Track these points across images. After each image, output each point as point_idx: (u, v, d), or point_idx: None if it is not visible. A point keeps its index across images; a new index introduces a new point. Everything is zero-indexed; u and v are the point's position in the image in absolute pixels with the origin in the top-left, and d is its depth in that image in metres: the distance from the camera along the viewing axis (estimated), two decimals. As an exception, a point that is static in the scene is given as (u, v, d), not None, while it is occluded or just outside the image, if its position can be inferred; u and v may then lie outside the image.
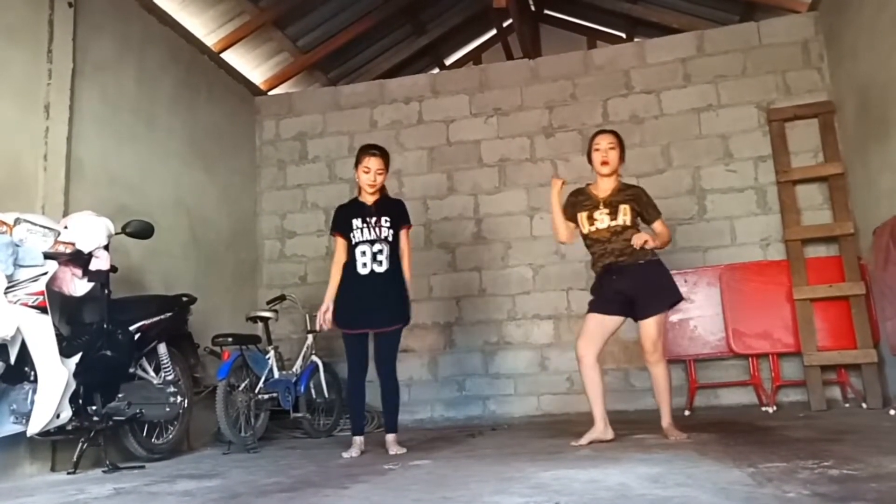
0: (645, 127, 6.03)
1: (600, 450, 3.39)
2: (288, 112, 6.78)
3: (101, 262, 3.69)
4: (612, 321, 3.86)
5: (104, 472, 3.59)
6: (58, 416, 3.31)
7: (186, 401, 4.27)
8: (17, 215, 3.41)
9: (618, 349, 5.78)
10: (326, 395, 5.34)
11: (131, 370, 3.96)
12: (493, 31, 8.23)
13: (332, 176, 6.59)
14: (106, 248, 3.75)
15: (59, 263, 3.46)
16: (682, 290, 5.49)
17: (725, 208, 5.77)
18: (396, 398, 4.03)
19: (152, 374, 4.14)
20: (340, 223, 4.07)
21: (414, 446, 4.08)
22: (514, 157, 6.27)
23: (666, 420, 3.76)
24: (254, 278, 6.50)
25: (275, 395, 4.85)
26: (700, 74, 6.00)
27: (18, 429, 3.33)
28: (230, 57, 6.23)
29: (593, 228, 3.89)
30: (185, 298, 4.42)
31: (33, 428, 3.24)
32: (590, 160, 4.01)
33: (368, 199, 4.08)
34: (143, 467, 3.77)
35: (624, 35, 7.87)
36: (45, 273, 3.33)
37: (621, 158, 3.95)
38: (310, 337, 5.42)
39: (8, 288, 3.16)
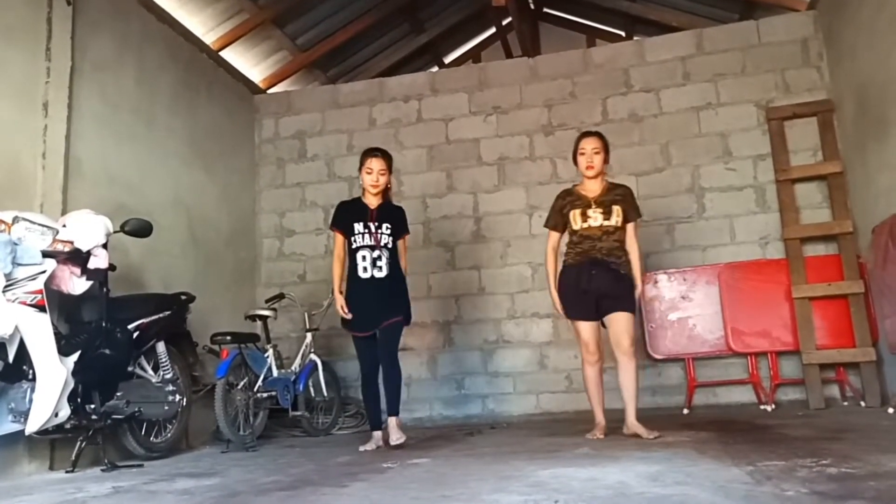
0: (644, 125, 6.03)
1: (599, 448, 3.39)
2: (287, 110, 6.78)
3: (99, 261, 3.69)
4: (597, 325, 4.01)
5: (103, 470, 3.59)
6: (56, 415, 3.30)
7: (185, 399, 4.27)
8: (16, 214, 3.41)
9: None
10: (325, 393, 5.34)
11: (130, 369, 3.96)
12: (493, 30, 8.23)
13: (332, 174, 6.59)
14: (104, 246, 3.74)
15: (58, 262, 3.46)
16: (681, 288, 5.56)
17: (724, 207, 5.77)
18: (399, 381, 4.13)
19: (151, 372, 4.14)
20: (342, 220, 4.17)
21: (413, 445, 4.08)
22: (513, 155, 6.27)
23: (634, 416, 3.84)
24: (253, 277, 6.50)
25: (273, 393, 4.85)
26: (699, 73, 5.99)
27: (17, 427, 3.33)
28: (229, 55, 6.22)
29: (585, 225, 3.97)
30: (183, 297, 4.41)
31: (32, 426, 3.23)
32: (575, 162, 4.11)
33: (372, 202, 4.17)
34: (141, 466, 3.77)
35: (623, 33, 7.87)
36: (44, 271, 3.32)
37: (605, 160, 4.06)
38: (309, 335, 5.42)
39: (6, 286, 3.15)
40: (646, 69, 6.12)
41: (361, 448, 3.98)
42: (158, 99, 5.25)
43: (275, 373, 4.99)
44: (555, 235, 4.16)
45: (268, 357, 5.00)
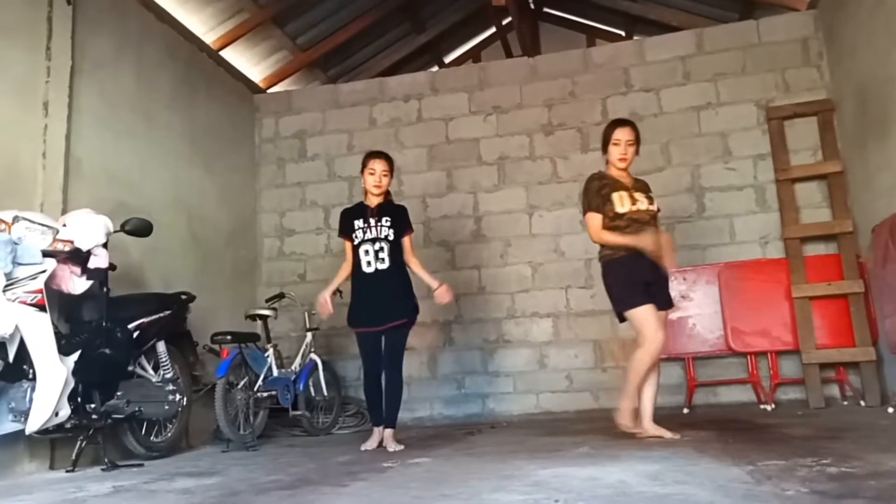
0: (644, 125, 5.97)
1: (599, 447, 3.39)
2: (287, 110, 6.78)
3: (99, 260, 3.69)
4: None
5: (103, 469, 3.59)
6: (56, 414, 3.30)
7: (185, 399, 4.26)
8: (16, 213, 3.41)
9: (617, 347, 5.79)
10: (325, 393, 5.34)
11: (130, 368, 3.96)
12: (493, 29, 8.22)
13: (332, 174, 6.59)
14: (105, 245, 3.74)
15: (58, 261, 3.46)
16: (681, 287, 5.55)
17: (724, 206, 5.77)
18: (400, 394, 4.14)
19: (151, 372, 4.14)
20: (345, 226, 4.23)
21: (413, 444, 4.09)
22: (513, 155, 6.27)
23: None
24: (253, 276, 6.50)
25: (274, 393, 4.85)
26: (699, 72, 5.99)
27: (17, 427, 3.33)
28: (229, 54, 6.22)
29: (634, 208, 3.73)
30: (184, 296, 4.41)
31: (32, 426, 3.23)
32: (604, 149, 3.91)
33: (372, 202, 4.18)
34: (141, 465, 3.77)
35: (623, 33, 7.87)
36: (44, 271, 3.33)
37: (637, 152, 3.91)
38: (309, 335, 5.42)
39: (6, 286, 3.15)
40: (646, 69, 6.12)
41: (364, 447, 3.99)
42: (158, 98, 5.25)
43: (275, 372, 4.99)
44: (599, 217, 3.77)
45: (268, 356, 5.00)
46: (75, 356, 3.50)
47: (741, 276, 5.46)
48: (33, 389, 3.26)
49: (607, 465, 2.76)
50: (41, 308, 3.25)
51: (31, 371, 3.27)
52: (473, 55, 8.70)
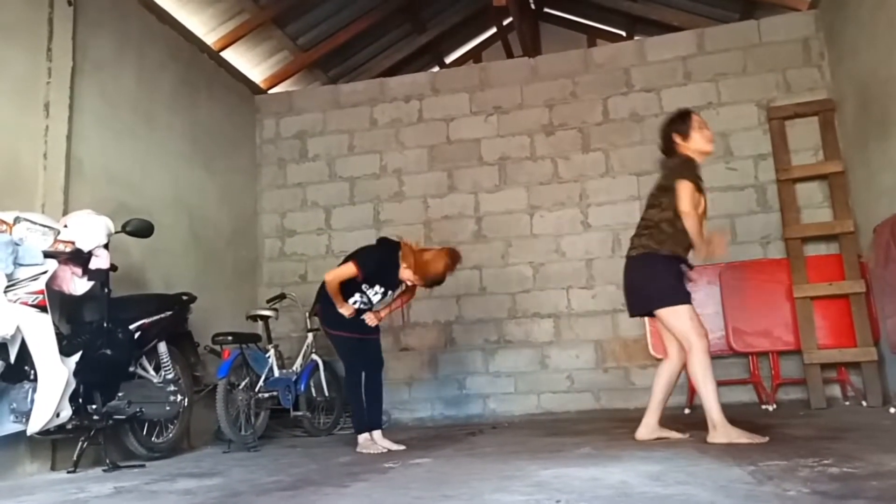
0: (645, 125, 6.02)
1: (601, 448, 3.39)
2: (288, 110, 6.78)
3: (100, 261, 3.69)
4: None
5: (104, 470, 3.59)
6: (58, 415, 3.30)
7: (186, 399, 4.26)
8: (17, 214, 3.40)
9: (618, 347, 5.79)
10: (326, 393, 5.34)
11: (131, 369, 3.96)
12: (493, 30, 8.22)
13: (333, 174, 6.59)
14: (106, 246, 3.75)
15: (59, 262, 3.46)
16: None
17: (725, 206, 5.76)
18: (380, 394, 4.25)
19: (152, 372, 4.14)
20: (372, 269, 4.03)
21: (414, 444, 4.08)
22: (514, 155, 6.27)
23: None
24: (254, 277, 6.50)
25: (275, 393, 4.85)
26: (700, 72, 5.99)
27: (18, 428, 3.33)
28: (230, 55, 6.22)
29: (703, 210, 3.64)
30: (185, 297, 4.42)
31: (33, 427, 3.23)
32: (684, 138, 3.62)
33: (404, 274, 4.07)
34: (143, 466, 3.77)
35: (624, 33, 7.87)
36: (45, 272, 3.32)
37: None
38: (310, 335, 5.42)
39: (8, 287, 3.15)
40: (647, 69, 6.12)
41: (372, 451, 3.90)
42: (159, 99, 5.25)
43: (276, 373, 4.99)
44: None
45: (269, 357, 5.01)
46: (76, 357, 3.50)
47: (742, 276, 5.46)
48: (34, 390, 3.26)
49: (609, 466, 2.76)
50: (42, 309, 3.24)
51: (32, 372, 3.27)
52: (474, 56, 8.70)
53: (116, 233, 3.86)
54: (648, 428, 3.63)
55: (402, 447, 3.91)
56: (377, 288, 4.14)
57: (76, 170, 4.26)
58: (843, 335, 5.20)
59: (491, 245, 6.19)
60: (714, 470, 2.52)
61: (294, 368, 5.24)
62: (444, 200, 6.35)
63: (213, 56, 5.99)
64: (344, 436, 5.21)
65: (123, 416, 3.77)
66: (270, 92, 6.89)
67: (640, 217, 3.77)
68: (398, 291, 4.29)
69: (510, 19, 6.94)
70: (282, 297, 5.59)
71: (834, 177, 5.48)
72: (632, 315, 3.85)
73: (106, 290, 3.78)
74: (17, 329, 3.14)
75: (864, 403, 4.98)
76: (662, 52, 6.11)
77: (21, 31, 4.00)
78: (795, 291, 5.28)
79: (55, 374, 3.27)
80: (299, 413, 5.08)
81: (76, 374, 3.44)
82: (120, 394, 3.79)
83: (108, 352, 3.71)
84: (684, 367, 3.63)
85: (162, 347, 4.16)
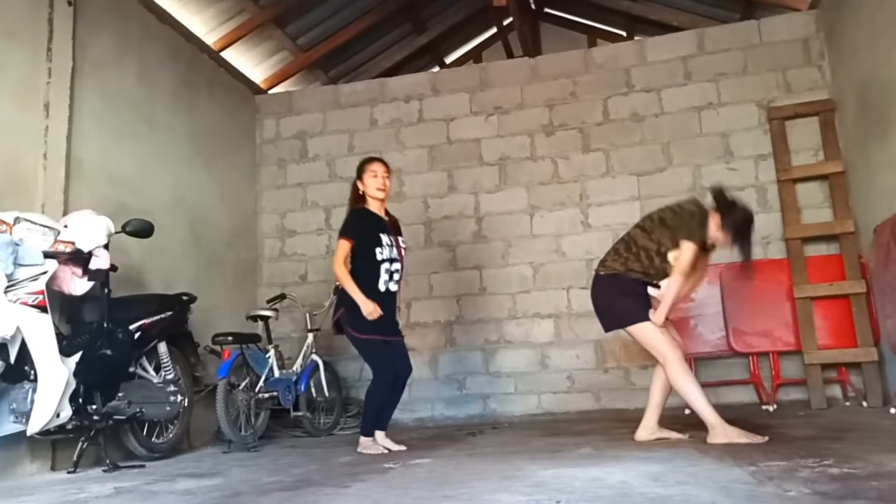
0: (645, 125, 6.02)
1: (601, 448, 3.39)
2: (288, 110, 6.78)
3: (101, 261, 3.69)
4: None
5: (104, 471, 3.59)
6: (58, 416, 3.30)
7: (187, 400, 4.27)
8: (17, 214, 3.40)
9: (618, 347, 5.79)
10: (327, 393, 5.33)
11: (131, 369, 3.95)
12: (494, 30, 8.22)
13: (333, 174, 6.58)
14: (106, 246, 3.74)
15: (59, 262, 3.46)
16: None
17: (726, 206, 5.75)
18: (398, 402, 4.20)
19: (152, 373, 4.14)
20: (360, 230, 3.97)
21: (415, 445, 4.08)
22: (514, 155, 6.26)
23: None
24: (254, 277, 6.50)
25: (275, 393, 4.85)
26: (700, 72, 5.99)
27: (18, 428, 3.33)
28: (230, 55, 6.22)
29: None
30: (185, 297, 4.42)
31: (33, 427, 3.23)
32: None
33: (380, 210, 4.10)
34: (143, 466, 3.77)
35: (624, 33, 7.87)
36: (45, 272, 3.32)
37: None
38: (310, 336, 5.42)
39: (8, 287, 3.15)
40: (647, 69, 6.12)
41: (372, 451, 3.88)
42: (159, 99, 5.25)
43: (276, 373, 4.99)
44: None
45: (269, 357, 5.00)
46: (76, 357, 3.50)
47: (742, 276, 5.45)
48: (34, 390, 3.26)
49: (609, 466, 2.76)
50: (42, 309, 3.24)
51: (32, 372, 3.27)
52: (474, 56, 8.70)
53: (116, 233, 3.86)
54: (648, 429, 3.64)
55: (403, 448, 3.91)
56: (384, 240, 3.98)
57: (76, 170, 4.26)
58: (844, 335, 5.19)
59: (491, 245, 6.19)
60: (714, 470, 2.52)
61: (294, 369, 5.23)
62: (445, 200, 6.35)
63: (213, 56, 5.99)
64: (344, 436, 5.21)
65: (123, 417, 3.77)
66: (270, 92, 6.89)
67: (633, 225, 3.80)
68: (399, 242, 4.12)
69: (510, 19, 6.94)
70: (282, 297, 5.59)
71: (834, 177, 5.48)
72: (606, 331, 3.84)
73: (106, 291, 3.78)
74: (17, 329, 3.14)
75: (864, 404, 4.98)
76: (663, 53, 6.11)
77: (21, 30, 4.00)
78: (796, 292, 5.28)
79: (55, 375, 3.27)
80: (299, 413, 5.08)
81: (76, 374, 3.44)
82: (120, 394, 3.79)
83: (109, 352, 3.71)
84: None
85: (162, 348, 4.16)
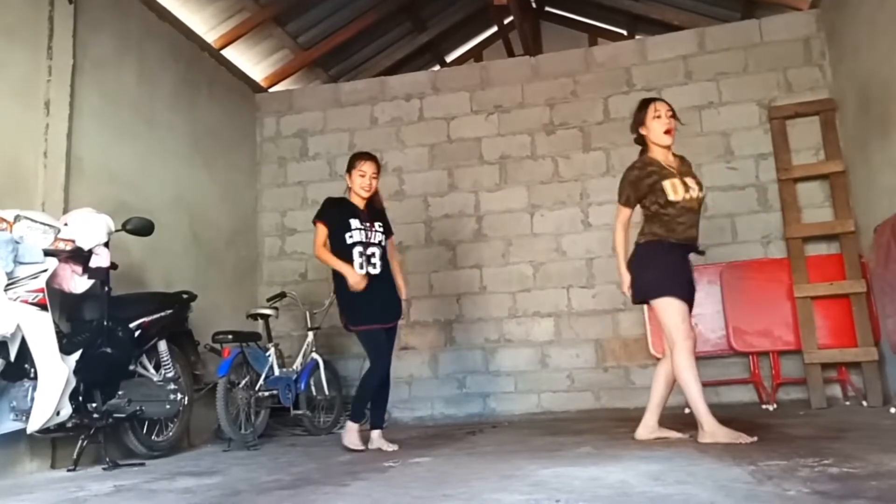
0: (646, 124, 6.01)
1: (601, 447, 3.39)
2: (288, 109, 6.78)
3: (101, 260, 3.69)
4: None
5: (104, 469, 3.59)
6: (58, 414, 3.31)
7: (186, 398, 4.27)
8: (17, 212, 3.41)
9: (618, 346, 5.79)
10: (327, 392, 5.33)
11: (131, 367, 3.96)
12: (494, 29, 8.21)
13: (333, 173, 6.58)
14: (106, 245, 3.75)
15: (60, 261, 3.46)
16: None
17: (726, 206, 5.76)
18: (388, 395, 4.17)
19: (152, 371, 4.14)
20: (331, 215, 4.09)
21: (414, 443, 4.08)
22: (514, 154, 6.26)
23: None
24: (254, 275, 6.50)
25: (275, 392, 4.85)
26: (701, 72, 5.99)
27: (18, 426, 3.33)
28: (230, 54, 6.22)
29: (688, 196, 3.53)
30: (185, 296, 4.42)
31: (33, 425, 3.24)
32: (638, 128, 3.68)
33: (360, 203, 4.16)
34: (143, 464, 3.77)
35: (625, 32, 7.86)
36: (45, 270, 3.33)
37: (680, 122, 3.72)
38: (310, 334, 5.42)
39: (8, 285, 3.15)
40: (647, 68, 6.12)
41: (353, 445, 3.93)
42: (160, 97, 5.25)
43: (276, 372, 4.99)
44: (627, 212, 3.65)
45: (269, 356, 5.00)
46: (77, 355, 3.51)
47: (743, 275, 5.45)
48: (35, 388, 3.26)
49: (609, 465, 2.75)
50: (42, 307, 3.24)
51: (32, 370, 3.28)
52: (475, 54, 8.69)
53: (117, 231, 3.86)
54: (648, 428, 3.64)
55: (395, 447, 3.89)
56: (354, 224, 4.04)
57: (76, 168, 4.26)
58: (844, 335, 5.19)
59: (491, 244, 6.19)
60: (714, 469, 2.52)
61: (294, 367, 5.23)
62: (445, 199, 6.35)
63: (213, 54, 5.98)
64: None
65: (123, 415, 3.77)
66: (271, 90, 6.89)
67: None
68: (375, 227, 4.13)
69: (511, 18, 6.94)
70: (282, 295, 5.59)
71: (835, 176, 5.48)
72: (633, 302, 3.81)
73: (106, 289, 3.78)
74: (18, 327, 3.15)
75: (864, 403, 4.98)
76: (663, 52, 6.11)
77: (22, 29, 3.99)
78: (796, 291, 5.28)
79: (55, 373, 3.27)
80: (299, 412, 5.08)
81: (76, 372, 3.45)
82: (120, 392, 3.79)
83: (109, 350, 3.71)
84: None
85: (162, 346, 4.17)
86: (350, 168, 4.18)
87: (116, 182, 4.66)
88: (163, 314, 4.12)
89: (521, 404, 5.91)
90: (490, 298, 6.13)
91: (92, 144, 4.44)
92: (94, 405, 3.63)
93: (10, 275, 3.18)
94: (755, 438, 3.24)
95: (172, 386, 4.16)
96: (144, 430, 4.05)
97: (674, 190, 3.53)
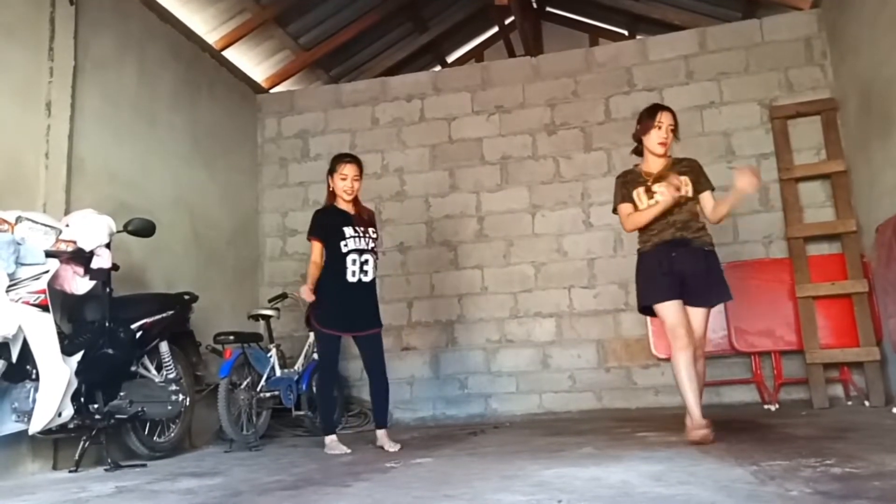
0: (647, 124, 6.00)
1: (602, 448, 3.39)
2: (289, 110, 6.78)
3: (102, 261, 3.69)
4: (682, 305, 3.54)
5: (106, 470, 3.59)
6: (59, 415, 3.31)
7: (188, 399, 4.27)
8: (19, 213, 3.41)
9: (619, 347, 5.78)
10: (328, 392, 5.33)
11: (133, 368, 3.96)
12: (495, 29, 8.21)
13: (334, 174, 6.57)
14: (107, 246, 3.75)
15: (61, 262, 3.46)
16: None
17: (728, 206, 5.75)
18: (388, 395, 4.17)
19: (154, 372, 4.14)
20: (323, 228, 4.11)
21: (416, 444, 4.08)
22: (515, 154, 6.26)
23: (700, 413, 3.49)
24: (255, 276, 6.50)
25: (276, 393, 4.85)
26: (702, 72, 5.98)
27: (20, 427, 3.33)
28: (231, 54, 6.22)
29: (653, 201, 3.58)
30: (186, 296, 4.42)
31: (35, 426, 3.24)
32: (640, 135, 3.75)
33: (348, 208, 4.16)
34: (144, 465, 3.77)
35: (626, 32, 7.86)
36: (47, 271, 3.33)
37: (676, 138, 3.76)
38: (311, 335, 5.41)
39: (10, 286, 3.16)
40: (649, 68, 6.11)
41: (336, 451, 3.95)
42: (161, 98, 5.25)
43: (278, 372, 4.99)
44: (627, 206, 3.69)
45: (271, 357, 5.00)
46: (78, 356, 3.51)
47: (745, 275, 5.44)
48: (36, 390, 3.27)
49: (610, 466, 2.75)
50: (44, 308, 3.25)
51: (34, 371, 3.28)
52: (476, 55, 8.69)
53: (118, 232, 3.86)
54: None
55: (398, 446, 3.90)
56: (347, 231, 4.05)
57: (78, 169, 4.27)
58: (846, 335, 5.19)
59: (493, 244, 6.19)
60: (716, 470, 2.51)
61: (296, 368, 5.23)
62: (446, 200, 6.34)
63: (214, 55, 5.99)
64: (345, 435, 5.21)
65: (125, 416, 3.77)
66: (272, 91, 6.89)
67: None
68: (370, 233, 4.16)
69: (512, 18, 6.94)
70: (283, 296, 5.59)
71: (836, 176, 5.47)
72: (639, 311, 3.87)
73: (108, 290, 3.78)
74: (19, 328, 3.15)
75: (866, 403, 4.97)
76: (664, 52, 6.10)
77: (23, 30, 4.00)
78: (798, 291, 5.27)
79: (57, 374, 3.27)
80: (301, 412, 5.08)
81: (78, 373, 3.45)
82: (122, 393, 3.79)
83: (110, 351, 3.72)
84: (699, 356, 3.61)
85: (163, 347, 4.17)
86: (331, 171, 4.18)
87: (117, 183, 4.66)
88: (164, 315, 4.12)
89: (522, 405, 5.91)
90: (491, 299, 6.13)
91: (93, 145, 4.45)
92: (95, 406, 3.63)
93: (11, 276, 3.18)
94: (712, 439, 3.24)
95: (174, 387, 4.16)
96: (146, 431, 4.05)
97: (639, 199, 3.66)
